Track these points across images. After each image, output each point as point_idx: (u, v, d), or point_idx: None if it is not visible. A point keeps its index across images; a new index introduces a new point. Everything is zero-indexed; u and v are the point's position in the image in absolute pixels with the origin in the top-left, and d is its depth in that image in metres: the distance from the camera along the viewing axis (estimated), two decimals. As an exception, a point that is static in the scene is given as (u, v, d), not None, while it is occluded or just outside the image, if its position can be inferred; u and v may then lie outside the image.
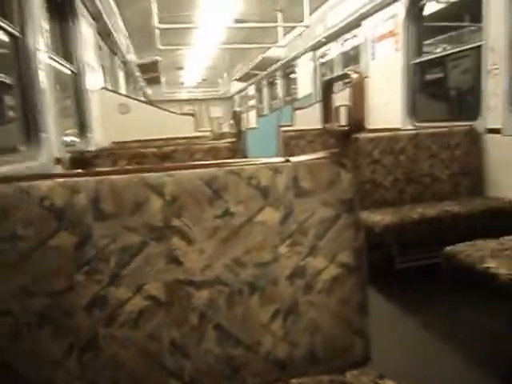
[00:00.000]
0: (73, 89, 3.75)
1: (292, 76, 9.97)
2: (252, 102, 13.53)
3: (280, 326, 1.08)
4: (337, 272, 1.12)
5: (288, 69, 9.94)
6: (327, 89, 1.22)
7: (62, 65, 3.39)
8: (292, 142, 4.86)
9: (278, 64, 10.02)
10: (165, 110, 5.06)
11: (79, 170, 1.04)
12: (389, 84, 4.88)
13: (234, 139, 3.00)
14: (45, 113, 2.47)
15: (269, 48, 9.36)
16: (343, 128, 1.19)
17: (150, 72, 10.44)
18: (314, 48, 7.91)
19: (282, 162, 1.13)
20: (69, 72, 3.67)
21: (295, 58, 8.87)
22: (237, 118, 3.19)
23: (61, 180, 1.01)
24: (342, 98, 2.04)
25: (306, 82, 8.46)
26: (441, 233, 2.88)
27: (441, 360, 2.05)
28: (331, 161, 1.15)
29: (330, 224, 1.12)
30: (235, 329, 1.05)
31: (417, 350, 2.15)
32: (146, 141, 4.12)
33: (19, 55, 2.30)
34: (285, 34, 7.77)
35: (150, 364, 1.02)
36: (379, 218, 2.87)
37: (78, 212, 1.00)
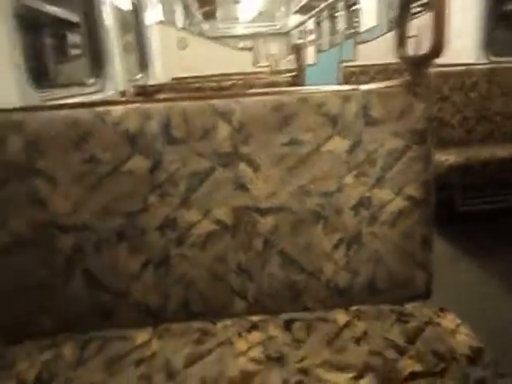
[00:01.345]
0: (133, 23, 3.76)
1: (354, 8, 9.35)
2: (311, 37, 12.94)
3: (342, 255, 1.10)
4: (403, 205, 1.10)
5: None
6: (404, 9, 1.14)
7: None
8: (353, 79, 4.64)
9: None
10: (223, 44, 4.97)
11: (151, 98, 1.06)
12: (463, 12, 4.45)
13: (294, 74, 2.92)
14: (110, 48, 2.51)
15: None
16: (419, 54, 1.11)
17: (206, 5, 10.19)
18: (381, -26, 7.30)
19: (352, 90, 1.09)
20: (129, 6, 3.66)
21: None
22: (298, 51, 3.08)
23: (133, 106, 1.05)
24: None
25: (370, 14, 7.92)
26: (510, 176, 2.72)
27: (502, 303, 2.02)
28: (404, 89, 1.09)
29: (399, 155, 1.09)
30: (298, 255, 1.09)
31: (477, 290, 2.12)
32: (205, 76, 4.10)
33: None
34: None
35: (217, 284, 1.08)
36: (443, 158, 2.75)
37: (149, 137, 1.03)
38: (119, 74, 2.67)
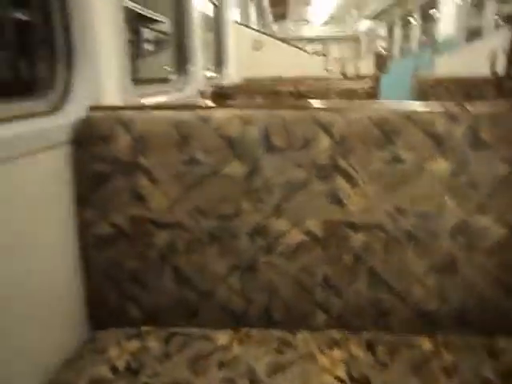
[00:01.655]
0: (214, 23, 3.84)
1: (431, 13, 8.98)
2: (381, 44, 12.64)
3: (434, 280, 1.05)
4: (504, 233, 1.04)
5: (428, 6, 8.96)
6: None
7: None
8: (429, 91, 4.44)
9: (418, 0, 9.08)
10: (297, 47, 4.97)
11: (254, 102, 1.07)
12: None
13: (372, 84, 2.86)
14: (193, 46, 2.58)
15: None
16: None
17: (280, 6, 10.23)
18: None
19: (461, 110, 1.04)
20: (211, 6, 3.74)
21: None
22: (379, 61, 3.01)
23: (236, 111, 1.06)
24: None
25: (447, 24, 7.59)
26: None
27: None
28: None
29: (505, 181, 1.03)
30: (388, 275, 1.06)
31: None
32: (276, 79, 4.11)
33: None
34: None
35: (301, 295, 1.07)
36: None
37: (249, 143, 1.05)
38: (200, 72, 2.73)
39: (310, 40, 16.48)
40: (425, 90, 4.28)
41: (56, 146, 1.03)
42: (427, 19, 9.31)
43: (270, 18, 12.22)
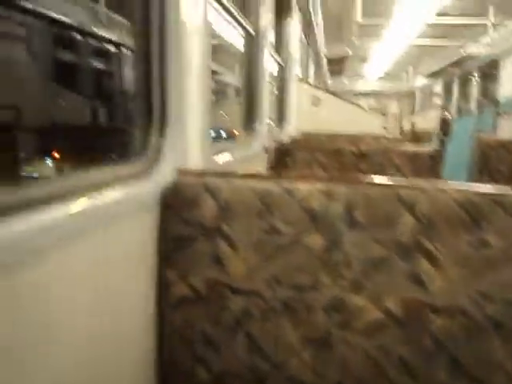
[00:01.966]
0: (278, 80, 4.00)
1: (492, 73, 8.85)
2: (437, 101, 12.54)
3: None
4: None
5: (488, 66, 8.86)
6: None
7: (275, 59, 3.64)
8: (491, 153, 4.31)
9: (477, 61, 9.03)
10: (356, 104, 5.05)
11: (336, 176, 1.10)
12: None
13: (436, 147, 2.83)
14: (261, 105, 2.69)
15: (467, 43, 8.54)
16: None
17: (337, 64, 10.53)
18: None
19: None
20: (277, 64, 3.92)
21: (500, 56, 7.86)
22: (445, 125, 2.99)
23: (319, 185, 1.09)
24: None
25: (509, 82, 7.44)
26: None
27: None
28: None
29: None
30: (470, 364, 1.01)
31: None
32: (334, 135, 4.17)
33: (252, 52, 2.54)
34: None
35: (376, 375, 1.04)
36: None
37: (331, 217, 1.06)
38: (265, 129, 2.82)
39: (365, 94, 16.68)
40: (486, 152, 4.17)
41: (145, 208, 1.09)
42: (487, 79, 9.17)
43: (327, 74, 12.56)
